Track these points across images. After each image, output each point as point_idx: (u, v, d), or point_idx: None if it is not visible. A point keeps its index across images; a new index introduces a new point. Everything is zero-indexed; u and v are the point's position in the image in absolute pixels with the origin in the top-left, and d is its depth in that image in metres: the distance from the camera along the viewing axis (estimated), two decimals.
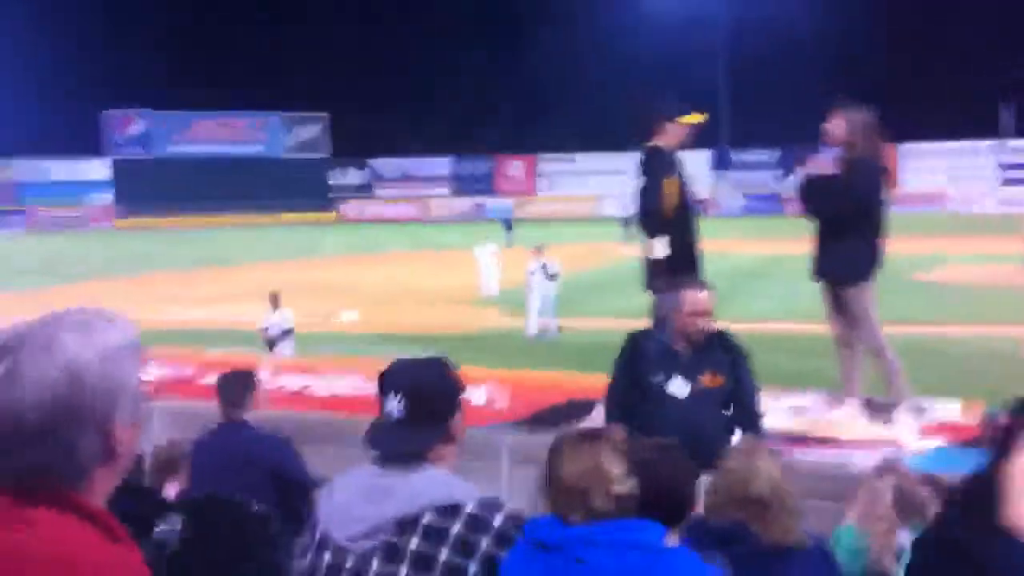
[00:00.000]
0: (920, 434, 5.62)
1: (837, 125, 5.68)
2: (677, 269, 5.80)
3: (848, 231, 5.69)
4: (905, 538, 3.30)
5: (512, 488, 5.54)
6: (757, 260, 26.32)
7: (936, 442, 5.46)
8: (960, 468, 4.90)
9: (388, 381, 2.50)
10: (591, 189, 66.88)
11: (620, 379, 4.83)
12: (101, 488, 1.47)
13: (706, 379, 4.62)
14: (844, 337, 5.90)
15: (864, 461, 5.15)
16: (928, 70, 56.90)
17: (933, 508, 3.46)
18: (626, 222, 38.75)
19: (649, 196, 6.00)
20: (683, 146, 6.12)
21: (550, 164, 71.23)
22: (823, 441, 5.56)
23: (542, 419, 6.08)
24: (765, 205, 59.07)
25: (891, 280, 5.84)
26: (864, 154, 5.61)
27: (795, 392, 6.74)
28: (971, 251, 27.96)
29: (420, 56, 73.17)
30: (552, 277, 17.35)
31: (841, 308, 5.82)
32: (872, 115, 5.70)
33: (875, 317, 5.72)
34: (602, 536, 2.11)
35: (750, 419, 4.73)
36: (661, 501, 2.35)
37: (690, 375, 4.62)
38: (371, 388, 6.97)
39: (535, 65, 70.20)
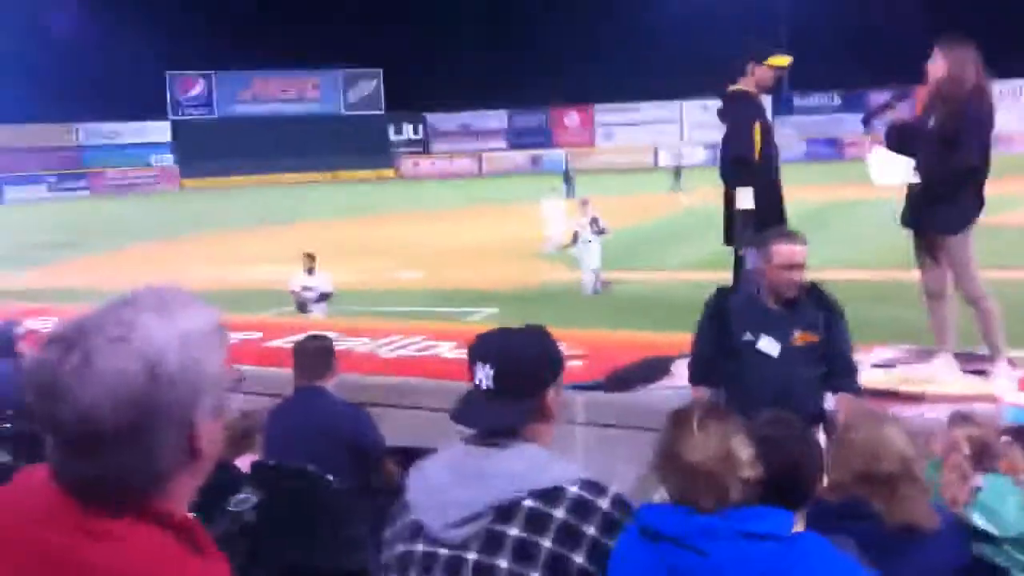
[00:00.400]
0: (1019, 387, 5.34)
1: (940, 65, 5.32)
2: (765, 220, 5.54)
3: (955, 179, 5.36)
4: (979, 482, 3.11)
5: (588, 453, 5.39)
6: (819, 206, 25.68)
7: None
8: None
9: (478, 349, 2.30)
10: (650, 138, 66.20)
11: (706, 338, 4.58)
12: (183, 492, 1.31)
13: (798, 336, 4.36)
14: (937, 287, 5.59)
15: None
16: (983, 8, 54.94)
17: (1013, 455, 3.42)
18: (677, 172, 37.97)
19: (736, 142, 5.72)
20: (768, 90, 5.81)
21: (607, 115, 70.53)
22: (917, 398, 5.30)
23: (619, 379, 5.89)
24: (826, 150, 58.73)
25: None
26: (972, 96, 5.25)
27: (883, 345, 6.47)
28: None
29: (471, 10, 72.52)
30: (601, 232, 16.95)
31: (937, 257, 5.51)
32: (977, 52, 5.33)
33: (975, 264, 5.41)
34: (731, 527, 1.92)
35: (847, 378, 4.48)
36: (787, 483, 2.15)
37: (781, 332, 4.36)
38: (435, 348, 6.85)
39: (586, 14, 69.28)
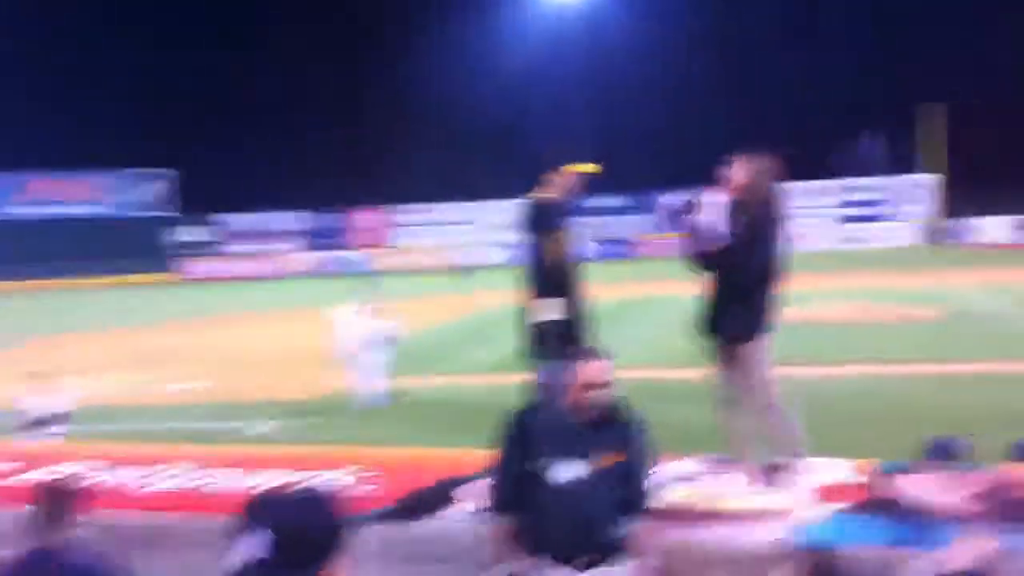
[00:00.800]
0: (814, 499, 5.24)
1: (740, 175, 5.30)
2: (566, 333, 5.31)
3: (750, 286, 5.30)
4: None
5: None
6: (615, 305, 26.27)
7: (831, 508, 5.08)
8: (854, 538, 4.57)
9: (256, 513, 2.11)
10: (447, 238, 66.90)
11: (508, 461, 4.21)
12: None
13: (604, 458, 4.09)
14: (733, 395, 5.48)
15: (759, 537, 4.76)
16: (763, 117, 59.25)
17: None
18: (466, 270, 37.98)
19: (535, 252, 5.50)
20: (575, 197, 5.64)
21: (404, 215, 70.99)
22: (714, 515, 5.12)
23: (411, 506, 5.44)
24: (616, 249, 61.38)
25: None
26: (766, 203, 5.25)
27: (685, 457, 6.31)
28: (832, 287, 28.69)
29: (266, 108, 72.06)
30: (389, 340, 16.11)
31: (735, 365, 5.41)
32: (774, 162, 5.36)
33: (771, 372, 5.34)
34: None
35: (635, 498, 4.18)
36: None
37: (586, 454, 4.09)
38: (207, 478, 6.19)
39: (383, 115, 70.17)
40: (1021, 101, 74.59)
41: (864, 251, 57.17)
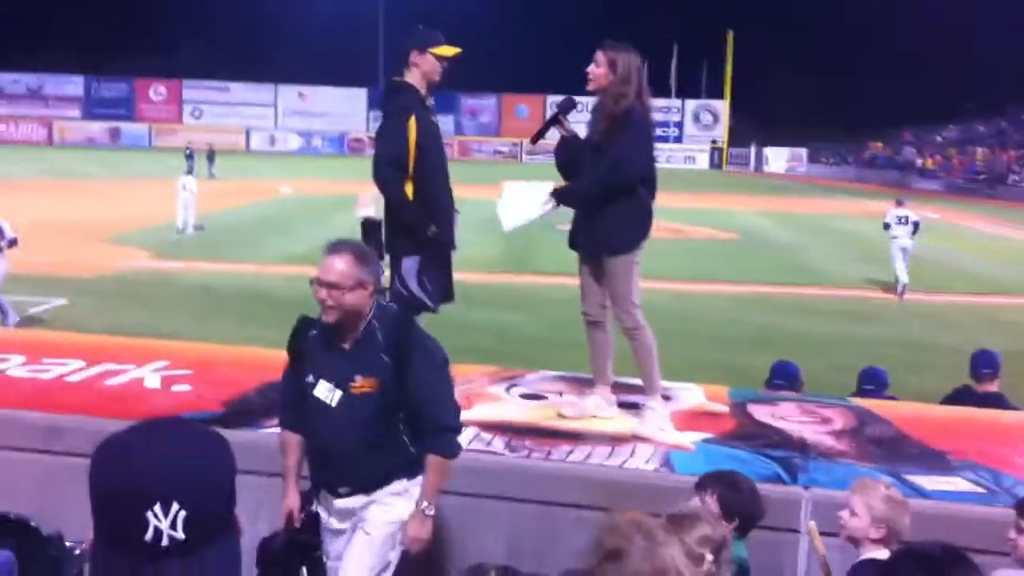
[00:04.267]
0: (673, 426, 5.01)
1: (602, 69, 4.82)
2: (420, 223, 4.79)
3: (619, 196, 4.89)
4: None
5: None
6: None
7: (694, 436, 4.86)
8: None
9: (151, 480, 1.44)
10: (243, 121, 64.11)
11: (287, 375, 3.71)
12: None
13: (358, 383, 3.47)
14: (598, 315, 5.13)
15: (623, 460, 4.49)
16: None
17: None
18: (189, 154, 34.07)
19: (386, 137, 4.88)
20: (435, 83, 5.02)
21: (198, 92, 67.22)
22: (571, 436, 4.79)
23: (240, 412, 4.83)
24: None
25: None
26: (634, 103, 4.81)
27: (529, 373, 5.96)
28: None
29: None
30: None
31: (600, 280, 5.03)
32: (639, 57, 4.91)
33: (637, 291, 4.99)
34: None
35: (432, 438, 3.52)
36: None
37: (343, 375, 3.49)
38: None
39: None
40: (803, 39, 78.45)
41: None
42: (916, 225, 16.49)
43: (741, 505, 3.37)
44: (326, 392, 3.50)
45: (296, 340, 3.63)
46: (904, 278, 15.92)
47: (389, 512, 3.55)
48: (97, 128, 64.39)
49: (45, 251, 16.67)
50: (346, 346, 3.52)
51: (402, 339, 3.52)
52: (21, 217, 21.39)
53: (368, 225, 5.03)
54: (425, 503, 3.49)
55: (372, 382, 3.46)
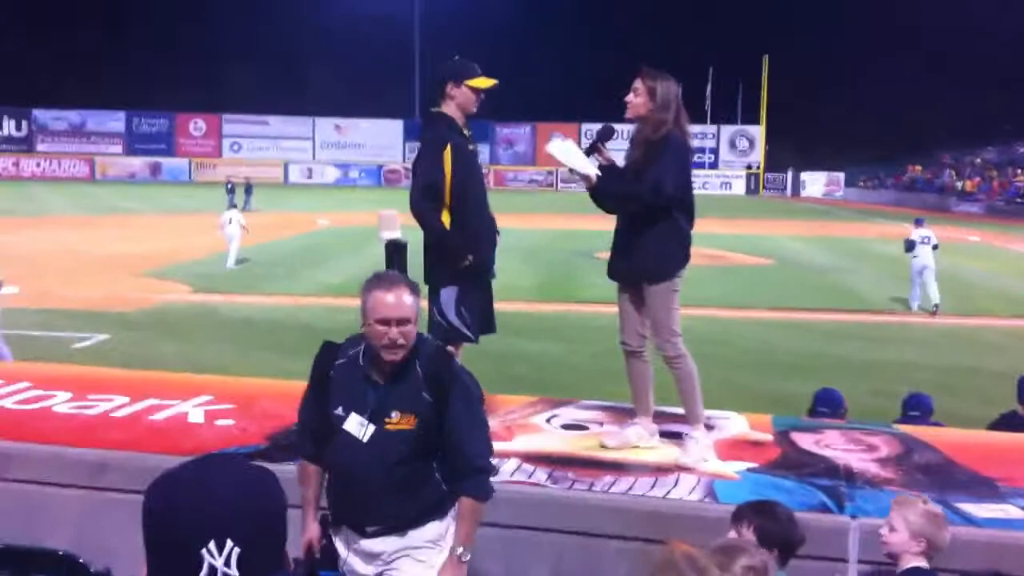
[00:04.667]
0: (716, 455, 4.97)
1: (640, 98, 4.84)
2: (457, 253, 4.82)
3: (658, 222, 4.88)
4: None
5: None
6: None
7: (738, 466, 4.82)
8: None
9: (203, 518, 1.46)
10: (281, 153, 64.88)
11: (308, 404, 3.52)
12: None
13: (395, 419, 3.31)
14: (637, 344, 5.11)
15: (666, 491, 4.46)
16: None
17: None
18: (230, 188, 34.49)
19: (423, 166, 4.93)
20: (471, 114, 5.07)
21: (235, 125, 68.15)
22: (614, 467, 4.76)
23: (283, 445, 4.86)
24: None
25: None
26: (672, 130, 4.82)
27: (573, 402, 5.94)
28: None
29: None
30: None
31: (640, 311, 5.02)
32: (677, 84, 4.91)
33: (677, 320, 4.98)
34: None
35: (468, 480, 3.35)
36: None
37: (378, 411, 3.32)
38: (47, 400, 5.42)
39: (222, 17, 67.03)
40: (839, 63, 78.14)
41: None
42: (936, 245, 16.52)
43: (779, 534, 3.33)
44: (357, 426, 3.33)
45: (322, 367, 3.46)
46: (936, 297, 15.87)
47: (424, 568, 3.36)
48: (138, 163, 65.40)
49: (87, 286, 16.94)
50: (380, 379, 3.35)
51: (442, 374, 3.36)
52: (64, 252, 21.85)
53: (393, 247, 5.07)
54: (460, 549, 3.32)
55: (410, 419, 3.30)
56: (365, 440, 3.31)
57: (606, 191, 5.03)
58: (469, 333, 5.00)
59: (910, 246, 16.55)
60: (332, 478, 3.46)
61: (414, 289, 3.36)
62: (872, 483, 4.62)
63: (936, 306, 15.72)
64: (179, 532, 1.42)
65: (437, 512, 3.40)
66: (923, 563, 3.21)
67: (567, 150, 5.09)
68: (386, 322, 3.23)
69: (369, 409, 3.32)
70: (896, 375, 10.24)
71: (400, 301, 3.26)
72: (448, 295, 4.94)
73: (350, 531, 3.43)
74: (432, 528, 3.39)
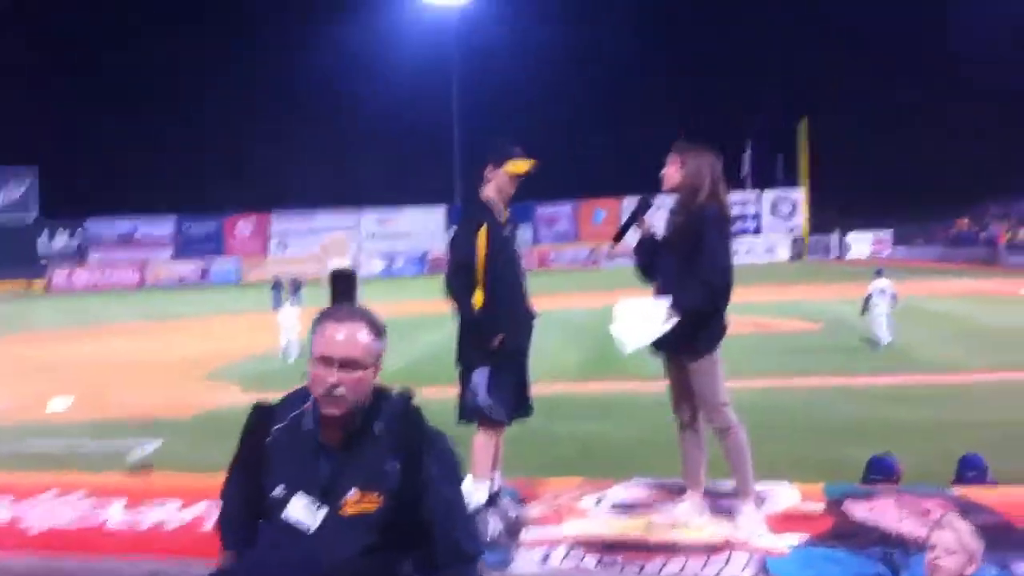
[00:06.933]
0: (768, 529, 4.92)
1: (676, 170, 4.94)
2: (490, 332, 4.91)
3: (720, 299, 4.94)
4: None
5: None
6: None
7: (791, 539, 4.76)
8: (823, 573, 4.25)
9: None
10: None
11: (236, 484, 2.91)
12: None
13: (353, 499, 2.66)
14: (687, 417, 5.13)
15: (718, 569, 4.41)
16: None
17: None
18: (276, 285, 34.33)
19: (456, 247, 5.07)
20: (511, 197, 5.22)
21: (282, 223, 69.49)
22: (664, 548, 4.73)
23: None
24: None
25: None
26: (709, 202, 4.89)
27: (623, 481, 5.92)
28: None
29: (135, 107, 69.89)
30: None
31: (686, 384, 5.05)
32: (717, 156, 5.00)
33: (723, 391, 4.99)
34: None
35: (445, 566, 2.68)
36: None
37: (331, 489, 2.68)
38: (101, 511, 5.53)
39: (264, 116, 69.13)
40: (880, 118, 77.91)
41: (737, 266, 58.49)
42: (894, 297, 17.61)
43: None
44: (304, 511, 2.67)
45: (254, 436, 2.83)
46: (887, 338, 17.42)
47: None
48: (187, 268, 66.61)
49: (140, 394, 17.20)
50: (333, 445, 2.71)
51: (412, 435, 2.72)
52: (118, 360, 22.24)
53: (338, 278, 5.15)
54: None
55: (372, 497, 2.65)
56: (312, 528, 2.67)
57: (688, 308, 4.90)
58: (502, 416, 5.04)
59: (867, 300, 17.72)
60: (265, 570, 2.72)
61: (376, 330, 2.78)
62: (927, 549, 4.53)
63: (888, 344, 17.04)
64: None
65: None
66: None
67: (634, 322, 4.89)
68: (328, 361, 2.66)
69: (319, 487, 2.69)
70: (953, 436, 10.02)
71: (351, 339, 2.69)
72: (480, 376, 5.00)
73: None
74: None
